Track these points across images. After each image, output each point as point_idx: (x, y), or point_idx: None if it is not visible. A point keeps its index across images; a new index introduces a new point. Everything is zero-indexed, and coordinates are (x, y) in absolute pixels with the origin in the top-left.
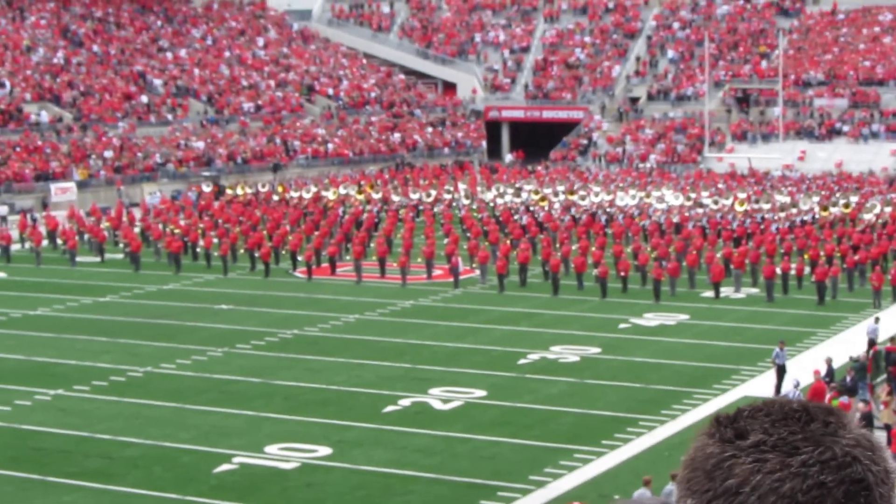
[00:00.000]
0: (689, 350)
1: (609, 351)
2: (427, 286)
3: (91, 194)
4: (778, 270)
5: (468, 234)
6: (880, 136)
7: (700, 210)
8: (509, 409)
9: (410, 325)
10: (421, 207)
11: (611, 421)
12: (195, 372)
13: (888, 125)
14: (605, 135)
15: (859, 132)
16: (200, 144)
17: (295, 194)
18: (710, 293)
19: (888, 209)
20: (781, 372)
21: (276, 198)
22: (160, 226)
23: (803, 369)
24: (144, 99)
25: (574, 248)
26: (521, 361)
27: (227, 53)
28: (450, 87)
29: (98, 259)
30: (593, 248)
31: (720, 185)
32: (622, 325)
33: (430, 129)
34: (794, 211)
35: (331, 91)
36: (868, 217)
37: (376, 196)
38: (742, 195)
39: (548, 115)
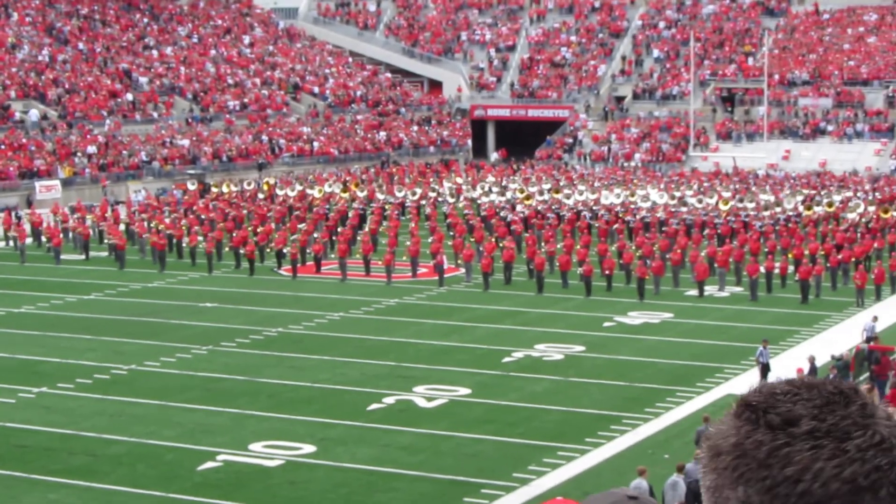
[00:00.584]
0: (673, 348)
1: (593, 349)
2: (412, 284)
3: (76, 192)
4: (762, 269)
5: (452, 233)
6: (864, 136)
7: (684, 209)
8: (494, 407)
9: (395, 323)
10: (406, 205)
11: (595, 419)
12: (180, 370)
13: (872, 125)
14: (591, 134)
15: (843, 132)
16: (186, 142)
17: (280, 192)
18: (694, 292)
19: (872, 208)
20: (765, 370)
21: (261, 196)
22: (145, 223)
23: (787, 368)
24: (130, 97)
25: (559, 246)
26: (506, 359)
27: (212, 51)
28: (436, 86)
29: (83, 257)
30: (578, 247)
31: (705, 184)
32: (606, 324)
33: (415, 128)
34: (778, 210)
35: (316, 89)
36: (852, 216)
37: (361, 194)
38: (726, 194)
39: (533, 113)
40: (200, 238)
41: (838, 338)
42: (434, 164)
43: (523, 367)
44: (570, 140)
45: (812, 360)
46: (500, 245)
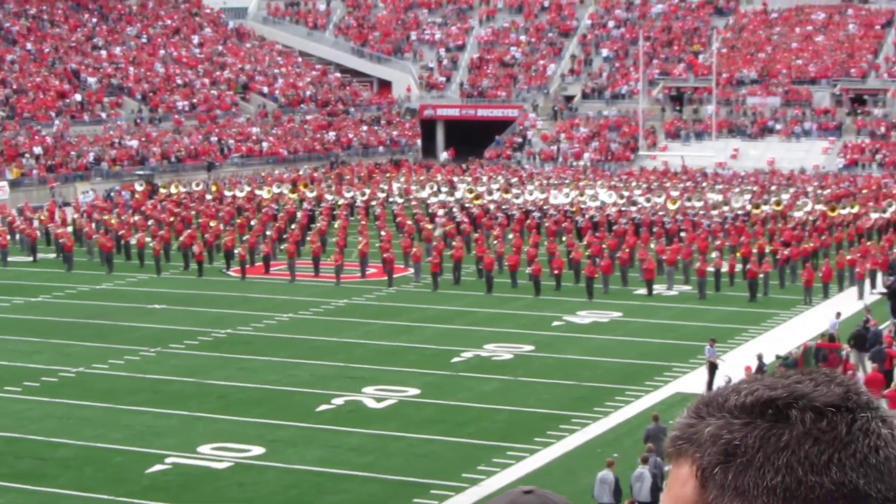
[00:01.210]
0: (622, 347)
1: (542, 348)
2: (361, 284)
3: (24, 193)
4: (710, 268)
5: (401, 233)
6: (812, 135)
7: (633, 208)
8: (443, 407)
9: (344, 323)
10: (355, 206)
11: (544, 418)
12: (128, 372)
13: (820, 123)
14: (540, 133)
15: (791, 130)
16: (134, 143)
17: (229, 193)
18: (642, 290)
19: (819, 206)
20: (713, 368)
21: (209, 197)
22: (93, 225)
23: (735, 365)
24: (78, 97)
25: (508, 245)
26: (455, 359)
27: (161, 51)
28: (385, 86)
29: (30, 259)
30: (527, 247)
31: (653, 183)
32: (555, 323)
33: (365, 128)
34: (726, 208)
35: (266, 89)
36: (799, 214)
37: (310, 195)
38: (674, 193)
39: (483, 113)
40: (149, 239)
41: (786, 336)
42: (383, 164)
43: (472, 367)
44: (520, 139)
45: (760, 357)
46: (449, 245)
